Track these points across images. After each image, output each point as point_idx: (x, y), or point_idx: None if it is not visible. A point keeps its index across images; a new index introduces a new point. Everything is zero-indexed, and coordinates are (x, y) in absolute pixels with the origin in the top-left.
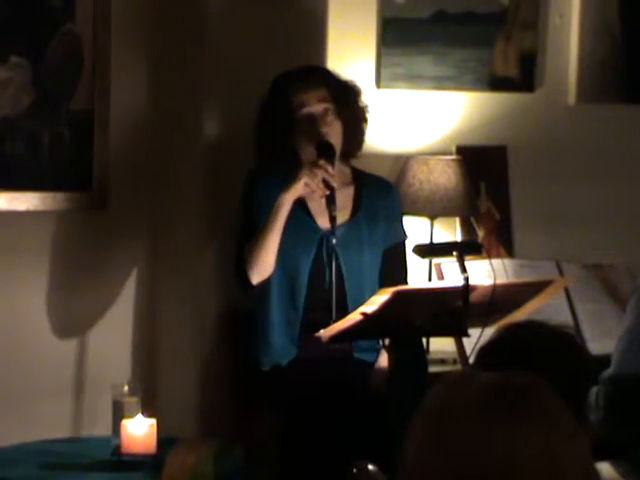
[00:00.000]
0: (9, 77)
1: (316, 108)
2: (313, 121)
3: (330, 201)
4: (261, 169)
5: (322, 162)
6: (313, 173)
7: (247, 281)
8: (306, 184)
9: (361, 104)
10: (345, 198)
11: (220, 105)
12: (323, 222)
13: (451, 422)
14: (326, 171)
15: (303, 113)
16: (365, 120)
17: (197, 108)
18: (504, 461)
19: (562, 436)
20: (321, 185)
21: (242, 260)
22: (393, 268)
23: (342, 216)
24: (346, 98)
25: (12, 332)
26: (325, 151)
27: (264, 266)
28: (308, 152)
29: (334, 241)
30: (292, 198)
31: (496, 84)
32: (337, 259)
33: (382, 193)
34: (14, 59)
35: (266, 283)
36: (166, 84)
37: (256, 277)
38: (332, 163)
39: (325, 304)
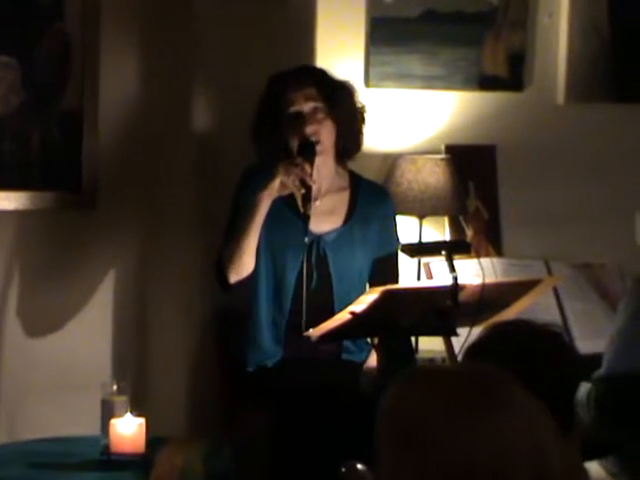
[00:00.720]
0: None
1: (304, 107)
2: (300, 120)
3: (306, 200)
4: (256, 167)
5: (299, 160)
6: (289, 171)
7: (225, 280)
8: (282, 183)
9: (356, 104)
10: (340, 203)
11: (210, 104)
12: (313, 225)
13: (423, 428)
14: (303, 169)
15: (290, 111)
16: (361, 120)
17: (187, 107)
18: (491, 454)
19: (545, 426)
20: (297, 184)
21: (221, 258)
22: (385, 278)
23: (336, 220)
24: (338, 98)
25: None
26: (304, 150)
27: (240, 265)
28: (294, 150)
29: (306, 240)
30: (269, 197)
31: (485, 83)
32: (326, 262)
33: (377, 200)
34: (3, 59)
35: (254, 284)
36: (156, 83)
37: (233, 276)
38: (311, 162)
39: (311, 307)
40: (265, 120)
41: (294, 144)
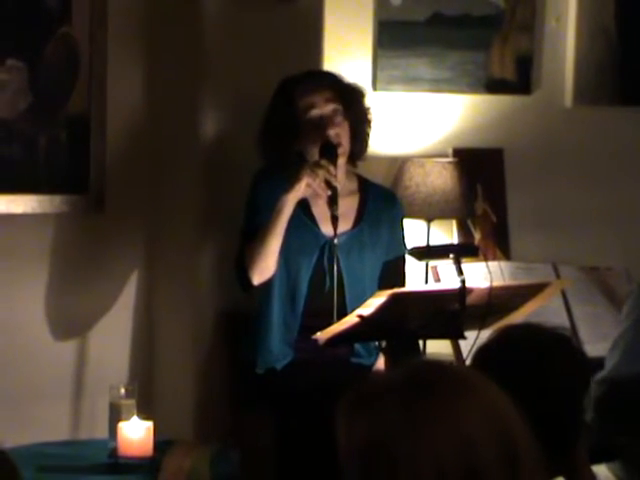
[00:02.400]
0: (6, 80)
1: (325, 109)
2: (321, 123)
3: (332, 201)
4: (267, 171)
5: (324, 162)
6: (314, 173)
7: (248, 282)
8: (308, 185)
9: (366, 106)
10: (350, 207)
11: (217, 107)
12: (326, 228)
13: (383, 449)
14: (328, 171)
15: (312, 115)
16: (369, 122)
17: (194, 110)
18: (458, 451)
19: (508, 411)
20: (323, 185)
21: (243, 260)
22: (392, 282)
23: (345, 224)
24: (352, 100)
25: (10, 335)
26: (327, 152)
27: (265, 267)
28: (314, 154)
29: (335, 241)
30: (294, 199)
31: (493, 86)
32: (338, 265)
33: (386, 204)
34: (10, 62)
35: (268, 287)
36: (163, 86)
37: (257, 278)
38: (334, 163)
39: (324, 310)
40: (278, 124)
41: (314, 147)
